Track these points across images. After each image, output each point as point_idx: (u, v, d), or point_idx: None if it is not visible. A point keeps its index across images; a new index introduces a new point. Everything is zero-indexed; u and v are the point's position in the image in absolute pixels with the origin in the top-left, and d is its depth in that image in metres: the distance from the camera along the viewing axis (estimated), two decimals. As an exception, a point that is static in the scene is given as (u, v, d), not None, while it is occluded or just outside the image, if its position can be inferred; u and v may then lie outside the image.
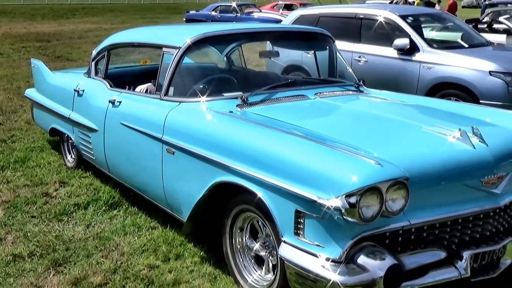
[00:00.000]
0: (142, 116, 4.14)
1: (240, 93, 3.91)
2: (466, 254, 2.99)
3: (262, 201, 2.99)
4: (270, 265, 3.25)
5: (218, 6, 26.53)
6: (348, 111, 4.04)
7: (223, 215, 3.46)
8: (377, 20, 7.85)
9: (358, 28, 8.02)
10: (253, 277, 3.36)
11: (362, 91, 4.47)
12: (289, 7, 26.85)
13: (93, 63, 5.21)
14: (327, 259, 2.68)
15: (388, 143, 3.17)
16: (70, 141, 5.54)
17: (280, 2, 30.44)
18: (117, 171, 4.66)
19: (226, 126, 3.54)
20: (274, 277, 3.16)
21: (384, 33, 7.73)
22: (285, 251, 2.86)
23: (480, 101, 6.46)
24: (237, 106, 3.77)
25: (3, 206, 4.65)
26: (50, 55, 14.56)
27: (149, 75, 4.94)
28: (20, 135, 6.82)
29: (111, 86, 4.79)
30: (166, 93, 4.03)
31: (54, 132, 5.78)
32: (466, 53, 7.16)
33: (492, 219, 3.17)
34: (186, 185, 3.65)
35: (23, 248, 3.90)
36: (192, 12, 27.49)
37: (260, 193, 3.00)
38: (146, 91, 4.69)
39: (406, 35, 7.40)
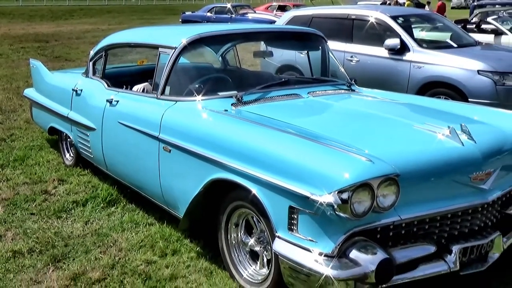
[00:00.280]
0: (139, 115, 4.13)
1: (235, 92, 3.91)
2: (455, 248, 3.00)
3: (256, 198, 2.99)
4: (265, 260, 3.26)
5: (213, 7, 26.50)
6: (340, 110, 4.05)
7: (219, 212, 3.46)
8: (369, 20, 7.86)
9: (350, 29, 8.03)
10: (248, 272, 3.36)
11: (354, 90, 4.48)
12: (282, 8, 26.83)
13: (91, 63, 5.19)
14: (320, 254, 2.68)
15: (379, 141, 3.17)
16: (68, 139, 5.53)
17: (274, 3, 30.47)
18: (115, 169, 4.65)
19: (221, 125, 3.54)
20: (268, 271, 3.17)
21: (376, 34, 7.74)
22: (279, 246, 2.87)
23: (469, 99, 6.48)
24: (232, 105, 3.77)
25: (3, 204, 4.64)
26: (49, 56, 14.51)
27: (145, 74, 4.93)
28: (20, 134, 6.79)
29: (108, 85, 4.78)
30: (163, 93, 4.02)
31: (52, 131, 5.77)
32: (455, 53, 7.18)
33: (481, 214, 3.19)
34: (182, 182, 3.65)
35: (22, 245, 3.89)
36: (188, 13, 27.43)
37: (254, 189, 3.00)
38: (143, 91, 4.68)
39: (396, 35, 7.42)
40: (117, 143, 4.45)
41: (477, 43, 8.14)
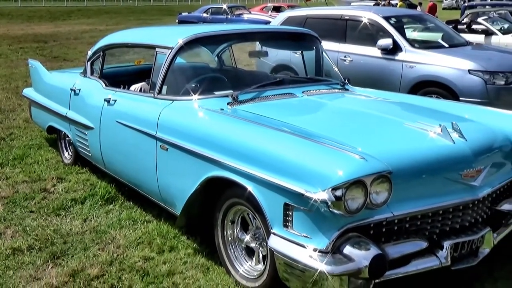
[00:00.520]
0: (137, 114, 4.12)
1: (231, 91, 3.90)
2: (447, 243, 3.01)
3: (252, 195, 2.99)
4: (260, 256, 3.26)
5: (209, 8, 26.47)
6: (334, 108, 4.05)
7: (215, 209, 3.46)
8: (362, 21, 7.87)
9: (344, 29, 8.03)
10: (244, 268, 3.36)
11: (347, 89, 4.48)
12: (277, 9, 26.81)
13: (88, 63, 5.18)
14: (315, 250, 2.69)
15: (372, 139, 3.18)
16: (67, 138, 5.51)
17: (269, 4, 30.43)
18: (113, 167, 4.64)
19: (217, 123, 3.54)
20: (264, 267, 3.17)
21: (368, 34, 7.75)
22: (274, 242, 2.87)
23: (460, 98, 6.49)
24: (227, 104, 3.76)
25: (3, 202, 4.62)
26: (47, 56, 14.47)
27: (143, 74, 4.92)
28: (19, 133, 6.77)
29: (106, 85, 4.77)
30: (160, 92, 4.02)
31: (51, 130, 5.75)
32: (446, 53, 7.20)
33: (471, 210, 3.20)
34: (179, 180, 3.65)
35: (22, 242, 3.88)
36: (184, 14, 27.39)
37: (250, 187, 3.00)
38: (140, 90, 4.67)
39: (389, 35, 7.43)
40: (115, 141, 4.44)
41: (467, 43, 8.17)
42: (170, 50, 4.04)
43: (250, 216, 3.27)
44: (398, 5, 23.55)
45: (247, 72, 5.68)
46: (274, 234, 2.88)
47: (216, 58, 5.41)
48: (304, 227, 2.75)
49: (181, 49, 4.07)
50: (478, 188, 3.17)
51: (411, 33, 8.29)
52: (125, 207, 4.51)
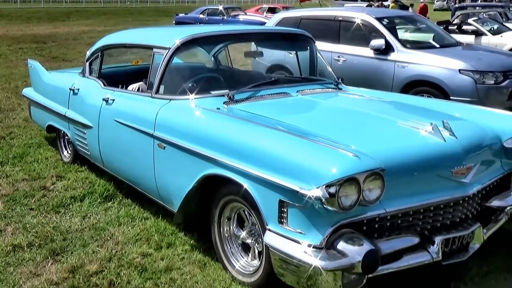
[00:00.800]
0: (135, 113, 4.12)
1: (227, 91, 3.90)
2: (438, 239, 3.02)
3: (248, 192, 2.99)
4: (256, 251, 3.27)
5: (206, 9, 26.42)
6: (328, 107, 4.05)
7: (212, 206, 3.46)
8: (355, 22, 7.88)
9: (337, 30, 8.04)
10: (240, 263, 3.37)
11: (341, 89, 4.49)
12: (272, 10, 26.80)
13: (87, 63, 5.17)
14: (309, 245, 2.69)
15: (365, 137, 3.19)
16: (66, 137, 5.50)
17: (264, 6, 30.43)
18: (111, 165, 4.63)
19: (213, 122, 3.54)
20: (259, 263, 3.17)
21: (361, 34, 7.76)
22: (270, 238, 2.87)
23: (451, 97, 6.51)
24: (224, 103, 3.76)
25: (3, 199, 4.61)
26: (46, 56, 14.41)
27: (140, 74, 4.91)
28: (18, 132, 6.75)
29: (104, 85, 4.76)
30: (157, 91, 4.01)
31: (51, 129, 5.73)
32: (437, 53, 7.22)
33: (462, 206, 3.21)
34: (176, 178, 3.65)
35: (22, 239, 3.87)
36: (181, 15, 27.32)
37: (246, 184, 3.00)
38: (138, 90, 4.67)
39: (381, 36, 7.44)
40: (113, 140, 4.43)
41: (458, 44, 8.19)
42: (167, 51, 4.03)
43: (246, 213, 3.27)
44: (390, 6, 23.57)
45: (243, 72, 5.68)
46: (269, 230, 2.89)
47: (212, 58, 5.41)
48: (299, 224, 2.76)
49: (178, 50, 4.07)
50: (468, 185, 3.18)
51: (403, 34, 8.31)
52: (124, 205, 4.50)
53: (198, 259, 3.60)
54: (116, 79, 4.92)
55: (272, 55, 7.26)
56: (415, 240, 2.93)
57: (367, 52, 7.50)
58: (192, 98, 3.83)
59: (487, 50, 8.53)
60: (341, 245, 2.66)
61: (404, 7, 25.20)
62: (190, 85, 4.00)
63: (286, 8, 25.48)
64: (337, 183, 2.59)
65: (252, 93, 3.96)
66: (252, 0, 61.62)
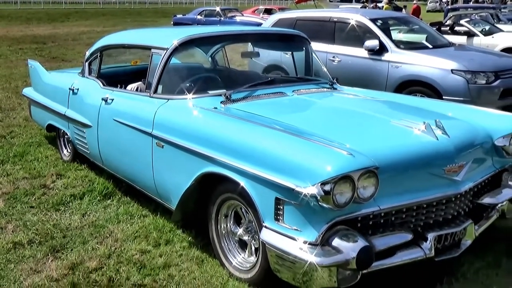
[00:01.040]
0: (133, 112, 4.11)
1: (224, 90, 3.90)
2: (431, 235, 3.03)
3: (244, 190, 3.00)
4: (253, 248, 3.27)
5: (203, 11, 26.35)
6: (323, 107, 4.06)
7: (209, 203, 3.46)
8: (350, 23, 7.89)
9: (332, 31, 8.04)
10: (237, 260, 3.37)
11: (335, 88, 4.49)
12: (268, 11, 26.77)
13: (86, 64, 5.16)
14: (305, 242, 2.70)
15: (359, 136, 3.19)
16: (66, 136, 5.48)
17: (261, 7, 30.41)
18: (110, 164, 4.63)
19: (211, 121, 3.54)
20: (256, 259, 3.18)
21: (356, 35, 7.76)
22: (266, 235, 2.88)
23: (443, 97, 6.53)
24: (221, 102, 3.76)
25: (4, 198, 4.60)
26: (46, 56, 14.37)
27: (139, 74, 4.91)
28: (19, 131, 6.73)
29: (103, 84, 4.75)
30: (155, 91, 4.01)
31: (50, 128, 5.72)
32: (430, 53, 7.24)
33: (454, 204, 3.22)
34: (174, 176, 3.64)
35: (23, 236, 3.86)
36: (179, 16, 27.25)
37: (242, 182, 3.00)
38: (137, 89, 4.66)
39: (375, 37, 7.45)
40: (112, 139, 4.42)
41: (450, 44, 8.20)
42: (165, 51, 4.03)
43: (242, 210, 3.27)
44: (384, 8, 23.58)
45: (240, 72, 5.68)
46: (265, 227, 2.89)
47: (209, 59, 5.40)
48: (295, 221, 2.76)
49: (176, 50, 4.07)
50: (461, 183, 3.19)
51: (396, 35, 8.33)
52: (123, 202, 4.50)
53: (196, 255, 3.60)
54: (115, 79, 4.91)
55: (268, 56, 7.25)
56: (409, 236, 2.94)
57: (362, 52, 7.50)
58: (190, 97, 3.82)
59: (478, 51, 8.55)
60: (336, 242, 2.67)
61: (397, 8, 25.20)
62: (188, 85, 3.99)
63: (282, 10, 25.43)
64: (332, 181, 2.60)
65: (249, 93, 3.96)
66: (249, 1, 61.60)
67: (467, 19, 13.17)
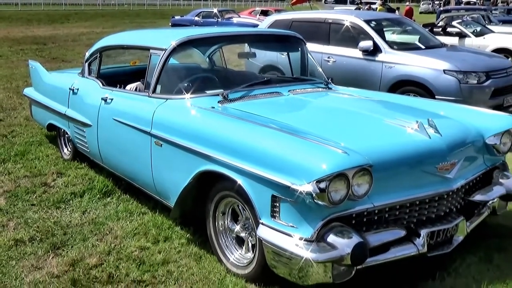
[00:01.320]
0: (132, 112, 4.11)
1: (221, 90, 3.90)
2: (423, 232, 3.04)
3: (241, 188, 3.00)
4: (250, 245, 3.27)
5: (201, 12, 26.30)
6: (318, 106, 4.06)
7: (207, 201, 3.46)
8: (344, 24, 7.88)
9: (327, 32, 8.04)
10: (234, 256, 3.37)
11: (330, 88, 4.50)
12: (265, 13, 26.73)
13: (86, 64, 5.15)
14: (300, 238, 2.71)
15: (354, 134, 3.20)
16: (66, 135, 5.47)
17: (257, 9, 30.38)
18: (110, 162, 4.62)
19: (208, 120, 3.54)
20: (253, 255, 3.18)
21: (350, 36, 7.76)
22: (263, 232, 2.88)
23: (436, 96, 6.54)
24: (218, 102, 3.76)
25: (5, 196, 4.59)
26: (46, 57, 14.33)
27: (138, 74, 4.90)
28: (20, 131, 6.71)
29: (103, 84, 4.74)
30: (154, 91, 4.00)
31: (51, 127, 5.71)
32: (423, 54, 7.24)
33: (446, 201, 3.24)
34: (173, 174, 3.64)
35: (24, 234, 3.85)
36: (177, 17, 27.19)
37: (240, 180, 3.01)
38: (136, 89, 4.65)
39: (369, 37, 7.45)
40: (112, 138, 4.42)
41: (443, 45, 8.21)
42: (164, 51, 4.02)
43: (240, 207, 3.28)
44: (377, 9, 23.61)
45: (237, 72, 5.68)
46: (262, 224, 2.90)
47: (207, 59, 5.40)
48: (291, 217, 2.77)
49: (174, 51, 4.06)
50: (453, 180, 3.20)
51: (390, 36, 8.33)
52: (122, 200, 4.50)
53: (194, 252, 3.60)
54: (115, 79, 4.90)
55: (265, 56, 7.25)
56: (402, 233, 2.95)
57: (356, 53, 7.50)
58: (188, 97, 3.82)
59: (470, 51, 8.56)
60: (331, 238, 2.68)
61: (391, 10, 25.25)
62: (186, 85, 3.99)
63: (278, 11, 25.42)
64: (327, 178, 2.60)
65: (246, 93, 3.96)
66: (246, 3, 61.53)
67: (459, 21, 13.18)
